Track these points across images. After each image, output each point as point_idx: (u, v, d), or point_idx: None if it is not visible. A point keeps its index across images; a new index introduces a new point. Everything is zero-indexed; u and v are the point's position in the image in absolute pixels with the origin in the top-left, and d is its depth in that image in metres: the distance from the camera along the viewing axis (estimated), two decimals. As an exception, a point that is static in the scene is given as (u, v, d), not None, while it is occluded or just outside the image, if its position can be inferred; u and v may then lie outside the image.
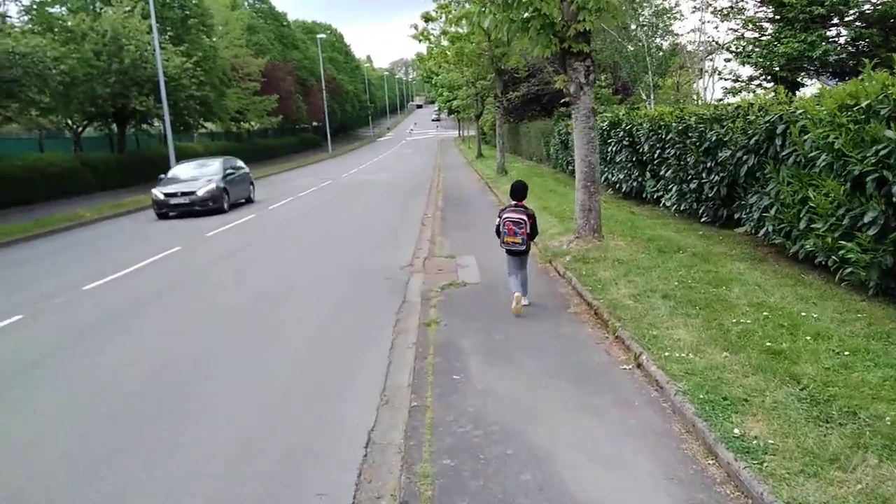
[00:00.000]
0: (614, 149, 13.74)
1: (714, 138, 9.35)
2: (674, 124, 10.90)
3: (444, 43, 22.16)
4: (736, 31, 21.51)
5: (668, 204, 11.70)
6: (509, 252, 6.69)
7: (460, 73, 35.49)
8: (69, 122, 27.14)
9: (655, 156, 11.77)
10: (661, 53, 21.27)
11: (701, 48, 23.34)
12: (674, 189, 11.17)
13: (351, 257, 10.59)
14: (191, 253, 11.94)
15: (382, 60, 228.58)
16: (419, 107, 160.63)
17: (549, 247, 9.37)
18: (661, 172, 11.66)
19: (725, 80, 22.51)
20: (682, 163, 10.70)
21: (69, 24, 25.48)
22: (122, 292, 8.90)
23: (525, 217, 6.48)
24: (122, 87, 25.67)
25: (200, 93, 28.89)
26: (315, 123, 71.15)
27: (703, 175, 9.88)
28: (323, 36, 66.48)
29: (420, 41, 21.49)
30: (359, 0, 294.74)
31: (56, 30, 22.57)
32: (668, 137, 11.12)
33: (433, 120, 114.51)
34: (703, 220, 10.33)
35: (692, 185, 10.35)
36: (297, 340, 6.42)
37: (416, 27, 22.29)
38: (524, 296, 6.75)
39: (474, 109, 39.74)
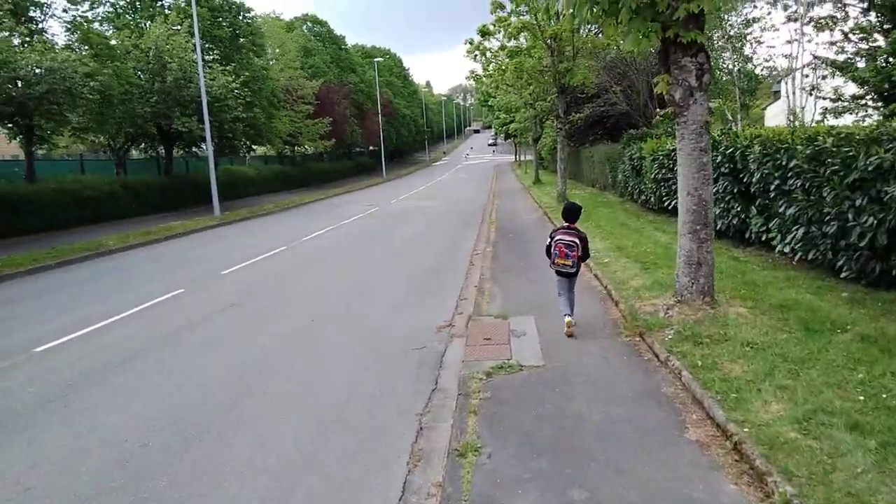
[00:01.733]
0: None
1: (871, 167, 6.76)
2: (799, 147, 8.32)
3: (502, 59, 20.07)
4: (836, 43, 18.62)
5: (784, 250, 9.05)
6: (559, 273, 6.72)
7: (518, 94, 33.55)
8: (111, 143, 26.34)
9: (771, 187, 9.15)
10: (749, 67, 18.48)
11: (787, 64, 20.42)
12: (798, 232, 8.53)
13: (376, 315, 8.38)
14: (188, 299, 10.02)
15: (442, 87, 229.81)
16: (476, 132, 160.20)
17: (639, 312, 6.90)
18: (779, 209, 9.02)
19: (824, 98, 19.56)
20: (812, 198, 8.08)
21: (113, 41, 24.82)
22: (71, 363, 6.96)
23: (577, 240, 6.52)
24: (166, 108, 24.72)
25: (247, 114, 27.73)
26: (371, 147, 70.46)
27: (849, 215, 7.25)
28: (380, 59, 65.98)
29: (476, 58, 19.51)
30: (421, 30, 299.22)
31: (98, 46, 21.67)
32: (790, 165, 8.52)
33: (489, 144, 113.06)
34: (843, 275, 7.66)
35: (829, 229, 7.71)
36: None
37: (471, 42, 20.32)
38: (571, 315, 6.72)
39: (532, 133, 37.52)
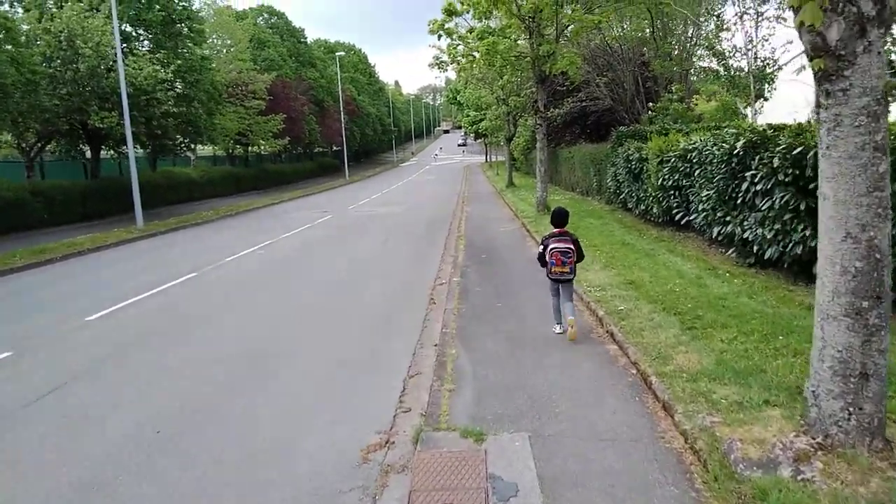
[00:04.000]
0: (757, 187, 8.12)
1: None
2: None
3: (472, 42, 16.91)
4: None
5: None
6: (555, 281, 6.48)
7: (489, 87, 30.52)
8: (18, 142, 22.44)
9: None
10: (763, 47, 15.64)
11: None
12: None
13: (264, 425, 5.12)
14: (8, 371, 6.66)
15: (411, 87, 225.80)
16: (446, 132, 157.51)
17: (732, 454, 3.68)
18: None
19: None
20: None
21: (25, 26, 21.04)
22: None
23: (571, 245, 6.36)
24: (81, 101, 20.97)
25: (181, 109, 24.06)
26: (335, 148, 66.72)
27: None
28: (342, 53, 62.39)
29: (440, 37, 16.30)
30: (388, 30, 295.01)
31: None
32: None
33: (459, 145, 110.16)
34: None
35: None
36: None
37: (434, 21, 17.10)
38: (572, 315, 6.39)
39: (505, 132, 34.52)
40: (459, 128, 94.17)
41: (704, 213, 9.99)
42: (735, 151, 8.42)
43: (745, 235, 8.51)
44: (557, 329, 6.66)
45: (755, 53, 14.94)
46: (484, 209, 22.30)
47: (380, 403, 5.25)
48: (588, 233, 13.29)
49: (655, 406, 4.71)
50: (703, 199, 9.83)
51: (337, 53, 58.51)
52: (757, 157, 7.89)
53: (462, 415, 4.81)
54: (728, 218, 9.04)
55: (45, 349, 7.36)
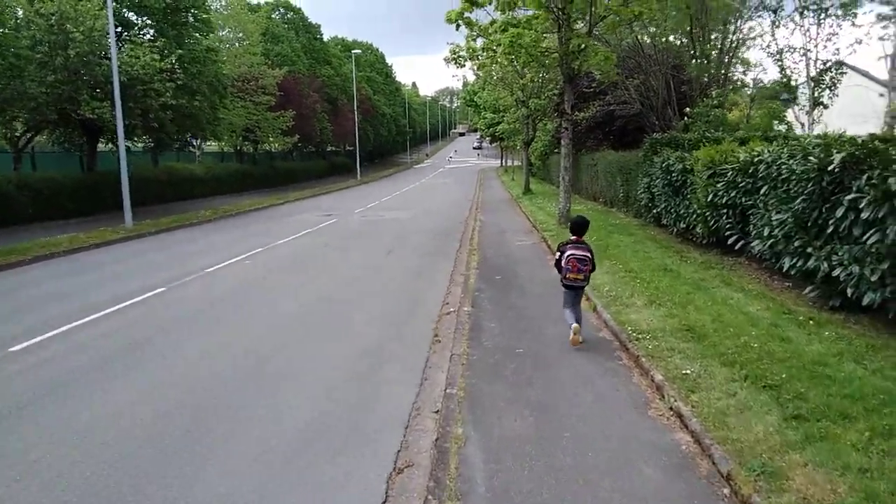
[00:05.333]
0: (861, 215, 6.29)
1: None
2: None
3: (494, 35, 15.18)
4: None
5: None
6: (569, 287, 6.59)
7: (509, 88, 28.79)
8: (5, 131, 21.02)
9: None
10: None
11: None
12: None
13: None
14: None
15: (428, 89, 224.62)
16: (461, 135, 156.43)
17: None
18: None
19: None
20: None
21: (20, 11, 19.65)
22: None
23: (589, 254, 6.48)
24: (72, 89, 19.50)
25: (180, 101, 22.53)
26: (348, 147, 65.19)
27: None
28: (358, 51, 60.85)
29: (458, 27, 14.59)
30: (409, 32, 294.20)
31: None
32: None
33: (474, 148, 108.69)
34: None
35: None
36: None
37: (454, 13, 15.38)
38: (578, 323, 6.55)
39: (523, 136, 32.72)
40: (475, 131, 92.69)
41: (772, 241, 8.20)
42: (829, 167, 6.60)
43: (835, 273, 6.70)
44: (574, 327, 6.69)
45: (817, 54, 13.10)
46: (499, 218, 20.56)
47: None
48: (620, 253, 11.54)
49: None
50: (774, 223, 8.03)
51: (353, 51, 56.93)
52: (864, 177, 6.08)
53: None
54: (809, 249, 7.23)
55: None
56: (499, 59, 16.06)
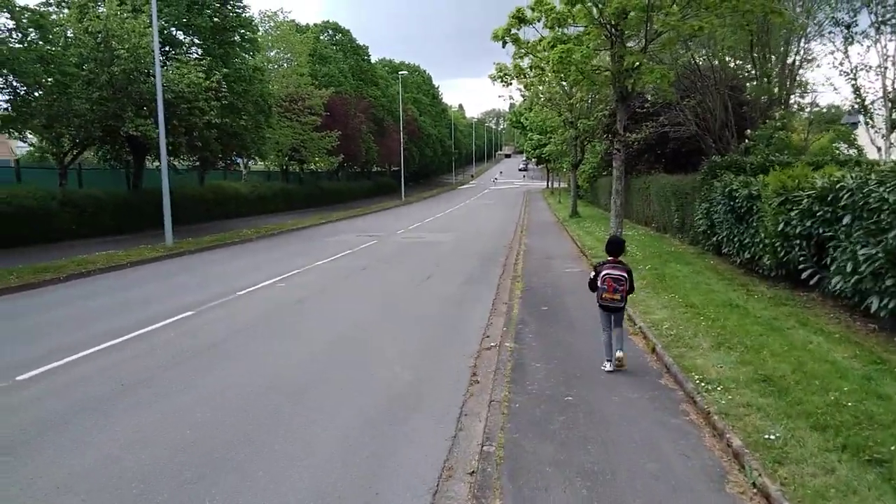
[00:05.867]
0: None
1: None
2: None
3: (542, 52, 14.54)
4: None
5: None
6: (605, 308, 6.42)
7: (557, 109, 28.07)
8: (52, 147, 21.38)
9: None
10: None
11: None
12: None
13: None
14: None
15: (475, 111, 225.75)
16: (507, 156, 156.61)
17: None
18: None
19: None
20: None
21: (70, 30, 20.09)
22: None
23: (625, 273, 6.31)
24: (117, 106, 19.72)
25: (225, 120, 22.63)
26: (394, 168, 65.45)
27: None
28: (405, 73, 61.26)
29: (504, 45, 14.03)
30: (458, 55, 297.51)
31: (24, 20, 16.86)
32: None
33: (520, 169, 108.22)
34: None
35: None
36: None
37: (502, 30, 14.81)
38: (621, 350, 6.43)
39: (571, 157, 31.85)
40: (521, 152, 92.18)
41: (857, 277, 7.21)
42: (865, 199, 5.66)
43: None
44: (607, 367, 6.51)
45: (895, 73, 12.00)
46: (545, 243, 19.73)
47: None
48: (678, 284, 10.60)
49: None
50: (860, 257, 7.05)
51: (400, 72, 57.28)
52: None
53: None
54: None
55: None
56: (547, 77, 15.38)
